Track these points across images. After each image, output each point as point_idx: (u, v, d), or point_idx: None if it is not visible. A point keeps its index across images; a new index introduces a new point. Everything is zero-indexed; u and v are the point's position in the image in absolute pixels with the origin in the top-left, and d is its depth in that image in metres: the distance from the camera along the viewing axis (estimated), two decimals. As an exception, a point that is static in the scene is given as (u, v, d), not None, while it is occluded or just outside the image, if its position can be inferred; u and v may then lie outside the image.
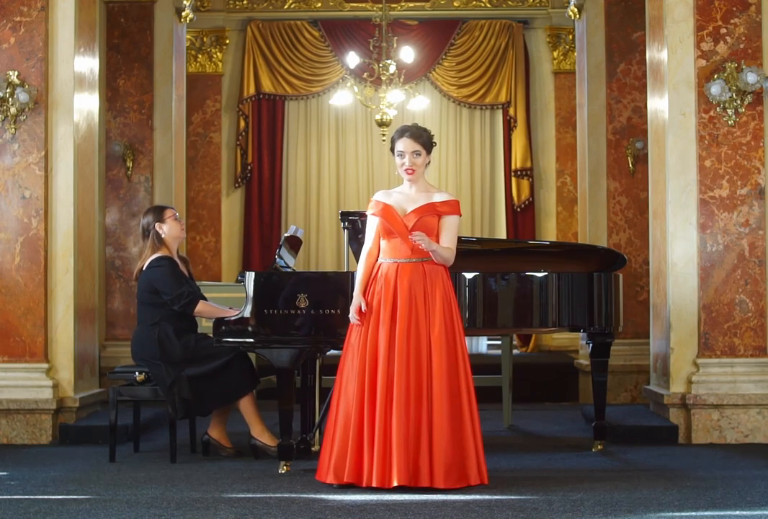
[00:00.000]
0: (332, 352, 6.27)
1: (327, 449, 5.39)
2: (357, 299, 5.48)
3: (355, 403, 5.33)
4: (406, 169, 5.53)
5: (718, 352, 7.08)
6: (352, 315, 5.47)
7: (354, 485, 5.26)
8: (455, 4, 12.89)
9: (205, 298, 6.56)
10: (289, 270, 6.48)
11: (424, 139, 5.56)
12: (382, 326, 5.37)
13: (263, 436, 6.34)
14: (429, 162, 5.64)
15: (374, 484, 5.20)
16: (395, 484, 5.17)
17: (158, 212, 6.55)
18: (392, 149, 5.60)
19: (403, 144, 5.53)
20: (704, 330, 7.07)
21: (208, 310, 6.40)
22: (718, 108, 7.08)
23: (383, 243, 5.52)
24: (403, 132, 5.56)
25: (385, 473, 5.21)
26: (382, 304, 5.40)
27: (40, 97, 7.20)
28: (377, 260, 5.54)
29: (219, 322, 5.97)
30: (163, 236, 6.50)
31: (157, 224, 6.49)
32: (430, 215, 5.48)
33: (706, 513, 4.70)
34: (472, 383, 5.49)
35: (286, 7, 12.94)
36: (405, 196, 5.56)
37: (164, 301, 6.35)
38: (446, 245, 5.49)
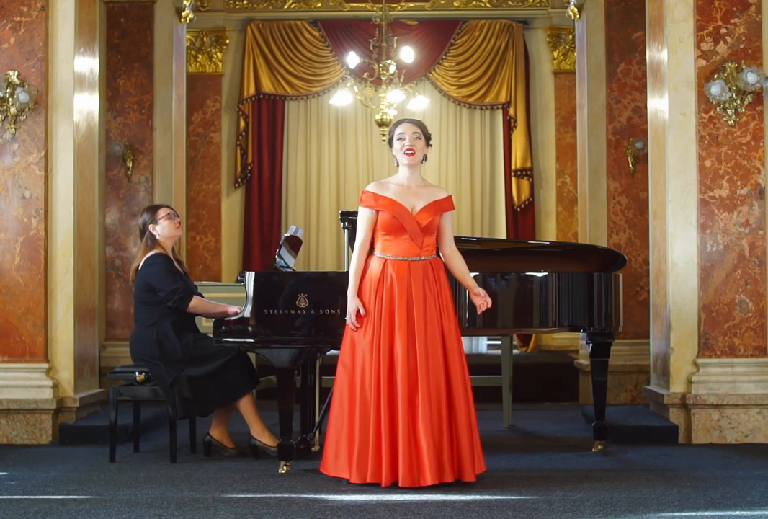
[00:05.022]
0: (332, 352, 6.27)
1: (340, 445, 5.37)
2: (354, 302, 5.46)
3: (373, 403, 5.32)
4: (406, 150, 5.51)
5: (718, 352, 7.08)
6: (352, 320, 5.45)
7: (377, 485, 5.28)
8: (455, 4, 12.89)
9: (201, 296, 6.56)
10: (289, 270, 6.48)
11: (423, 127, 5.64)
12: (399, 327, 5.36)
13: (263, 436, 6.34)
14: (426, 157, 5.63)
15: (402, 485, 5.20)
16: (429, 483, 5.20)
17: (151, 213, 6.54)
18: (390, 141, 5.61)
19: (404, 127, 5.59)
20: (704, 330, 7.08)
21: (202, 306, 6.40)
22: (718, 108, 7.08)
23: (386, 238, 5.49)
24: (402, 120, 5.67)
25: (414, 474, 5.22)
26: (396, 303, 5.39)
27: (40, 97, 7.20)
28: (371, 255, 5.52)
29: (219, 322, 5.97)
30: (157, 237, 6.49)
31: (150, 226, 6.49)
32: (438, 215, 5.53)
33: (706, 513, 4.69)
34: (469, 376, 5.55)
35: (286, 7, 12.95)
36: (406, 189, 5.55)
37: (161, 300, 6.34)
38: (453, 245, 5.63)
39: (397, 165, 5.62)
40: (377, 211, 5.49)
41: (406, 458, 5.24)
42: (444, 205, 5.56)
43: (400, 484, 5.22)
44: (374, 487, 5.26)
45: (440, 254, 5.63)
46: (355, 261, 5.53)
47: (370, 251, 5.56)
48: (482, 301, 5.59)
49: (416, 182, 5.58)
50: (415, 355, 5.35)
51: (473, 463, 5.36)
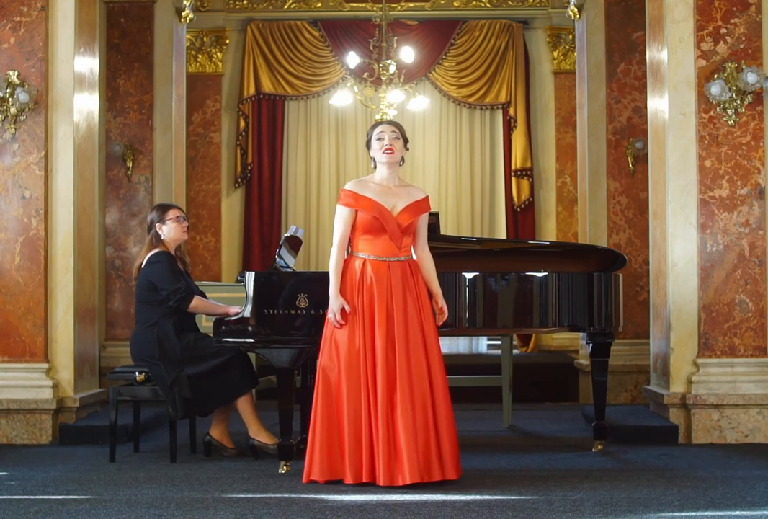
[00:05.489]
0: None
1: (333, 448, 5.38)
2: (338, 301, 5.45)
3: (364, 403, 5.34)
4: (386, 149, 5.52)
5: (718, 352, 7.08)
6: (338, 319, 5.45)
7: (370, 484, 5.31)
8: (455, 4, 12.90)
9: (204, 295, 6.58)
10: (289, 270, 6.48)
11: (401, 129, 5.67)
12: (378, 326, 5.38)
13: (260, 435, 6.34)
14: (403, 159, 5.66)
15: (381, 484, 5.24)
16: (408, 481, 5.21)
17: (161, 212, 6.54)
18: (368, 142, 5.63)
19: (383, 127, 5.62)
20: (704, 330, 7.07)
21: (203, 306, 6.41)
22: (718, 108, 7.08)
23: (365, 238, 5.50)
24: (380, 121, 5.75)
25: (393, 473, 5.25)
26: (377, 303, 5.41)
27: (40, 97, 7.20)
28: (349, 254, 5.55)
29: (219, 322, 5.97)
30: (162, 237, 6.50)
31: (157, 224, 6.50)
32: (417, 216, 5.56)
33: (706, 513, 4.69)
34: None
35: (286, 7, 12.95)
36: (385, 189, 5.56)
37: (162, 299, 6.35)
38: (426, 247, 5.64)
39: (374, 167, 5.64)
40: (356, 211, 5.51)
41: (384, 457, 5.25)
42: (422, 206, 5.59)
43: (379, 483, 5.25)
44: (374, 487, 5.26)
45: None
46: (335, 260, 5.53)
47: (349, 251, 5.58)
48: (439, 311, 5.60)
49: (394, 182, 5.60)
50: (395, 354, 5.37)
51: (455, 460, 5.37)
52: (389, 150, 5.53)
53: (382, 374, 5.33)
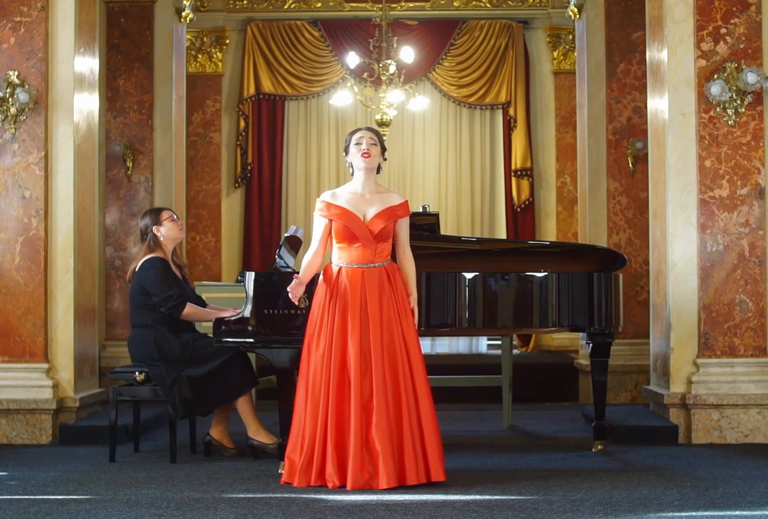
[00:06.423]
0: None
1: (296, 453, 5.41)
2: (297, 280, 5.51)
3: (322, 408, 5.35)
4: (363, 153, 5.55)
5: (718, 352, 7.08)
6: (290, 290, 5.51)
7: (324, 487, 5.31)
8: (455, 4, 12.90)
9: (201, 301, 6.58)
10: (289, 270, 6.48)
11: (380, 136, 5.71)
12: (352, 331, 5.39)
13: (259, 435, 6.35)
14: (380, 167, 5.68)
15: (350, 488, 5.22)
16: (385, 486, 5.20)
17: (155, 215, 6.55)
18: (346, 148, 5.65)
19: (362, 133, 5.65)
20: (704, 330, 7.08)
21: (195, 313, 6.41)
22: (718, 108, 7.08)
23: (340, 246, 5.53)
24: (358, 128, 5.73)
25: (367, 477, 5.24)
26: (350, 309, 5.42)
27: (40, 97, 7.20)
28: (328, 261, 5.59)
29: (219, 322, 5.97)
30: (161, 239, 6.50)
31: (154, 227, 6.50)
32: (392, 222, 5.55)
33: (706, 513, 4.69)
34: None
35: (286, 7, 12.95)
36: (358, 197, 5.58)
37: (155, 304, 6.35)
38: (407, 250, 5.61)
39: (352, 173, 5.65)
40: (330, 220, 5.53)
41: (357, 462, 5.25)
42: (398, 211, 5.58)
43: (348, 488, 5.24)
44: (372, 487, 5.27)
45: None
46: (306, 265, 5.59)
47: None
48: (410, 312, 5.58)
49: (370, 189, 5.61)
50: (370, 359, 5.37)
51: (443, 462, 5.35)
52: (366, 154, 5.55)
53: (356, 379, 5.33)
